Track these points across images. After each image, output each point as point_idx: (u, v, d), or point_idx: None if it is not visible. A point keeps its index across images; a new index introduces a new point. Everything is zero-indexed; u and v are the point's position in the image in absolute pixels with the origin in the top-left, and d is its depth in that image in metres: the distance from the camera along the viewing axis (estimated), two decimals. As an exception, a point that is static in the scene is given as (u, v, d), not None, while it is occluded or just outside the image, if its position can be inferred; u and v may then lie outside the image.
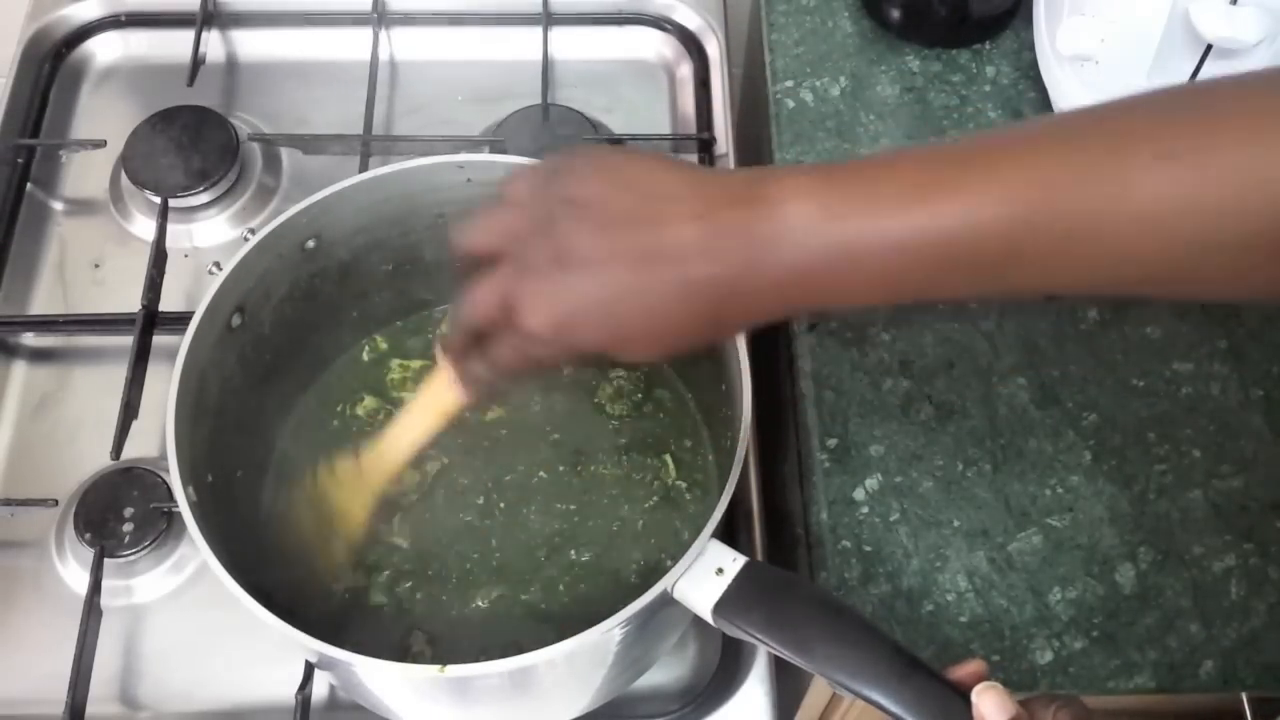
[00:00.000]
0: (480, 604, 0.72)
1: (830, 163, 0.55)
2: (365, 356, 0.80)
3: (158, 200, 0.89)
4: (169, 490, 0.76)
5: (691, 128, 0.97)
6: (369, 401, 0.78)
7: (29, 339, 0.88)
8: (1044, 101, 0.92)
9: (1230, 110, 0.50)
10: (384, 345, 0.80)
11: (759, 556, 0.79)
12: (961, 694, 0.53)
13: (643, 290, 0.52)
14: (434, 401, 0.65)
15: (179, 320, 0.81)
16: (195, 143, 0.93)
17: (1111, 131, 0.50)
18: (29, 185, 0.94)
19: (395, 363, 0.80)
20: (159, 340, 0.82)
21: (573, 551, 0.73)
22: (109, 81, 1.01)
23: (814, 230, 0.51)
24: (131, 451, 0.78)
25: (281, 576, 0.68)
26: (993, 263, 0.50)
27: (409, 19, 1.02)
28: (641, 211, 0.53)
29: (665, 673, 0.76)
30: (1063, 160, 0.50)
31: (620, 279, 0.52)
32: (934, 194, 0.50)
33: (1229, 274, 0.51)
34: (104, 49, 1.01)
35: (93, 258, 0.91)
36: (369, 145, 0.92)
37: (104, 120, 0.97)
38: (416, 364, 0.79)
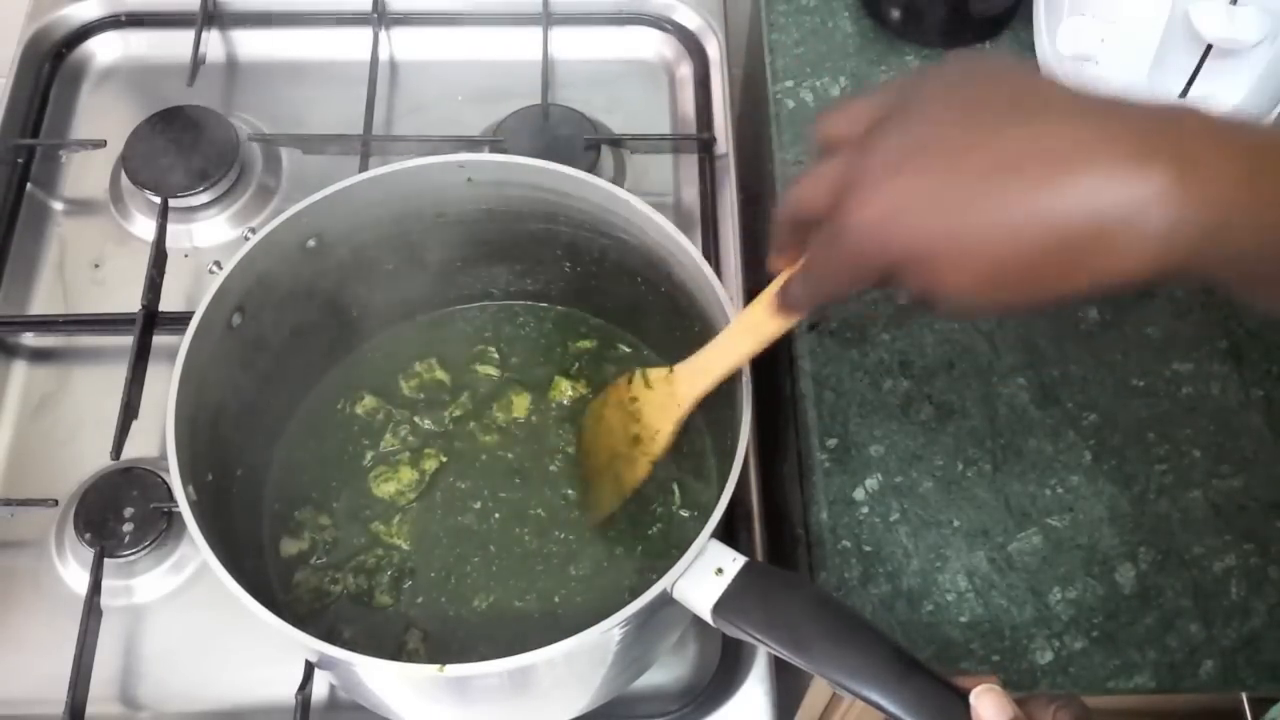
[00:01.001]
0: (478, 605, 0.72)
1: (1248, 134, 0.46)
2: (366, 355, 0.80)
3: (158, 200, 0.89)
4: (169, 490, 0.76)
5: (691, 128, 0.97)
6: (369, 401, 0.78)
7: (29, 339, 0.88)
8: (1044, 101, 0.92)
9: None
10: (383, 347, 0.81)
11: (759, 556, 0.79)
12: (961, 695, 0.53)
13: (994, 199, 0.44)
14: (753, 325, 0.61)
15: (179, 320, 0.81)
16: (195, 143, 0.93)
17: None
18: (29, 185, 0.94)
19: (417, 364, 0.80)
20: (159, 340, 0.82)
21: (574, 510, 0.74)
22: (109, 81, 1.01)
23: (1237, 221, 0.43)
24: (131, 451, 0.78)
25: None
26: None
27: (409, 19, 1.02)
28: (1023, 115, 0.45)
29: (665, 673, 0.76)
30: None
31: (972, 180, 0.45)
32: None
33: None
34: (104, 49, 1.01)
35: (93, 258, 0.91)
36: (369, 145, 0.92)
37: (104, 120, 0.97)
38: (421, 365, 0.80)
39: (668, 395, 0.67)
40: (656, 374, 0.68)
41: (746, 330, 0.61)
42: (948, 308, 0.48)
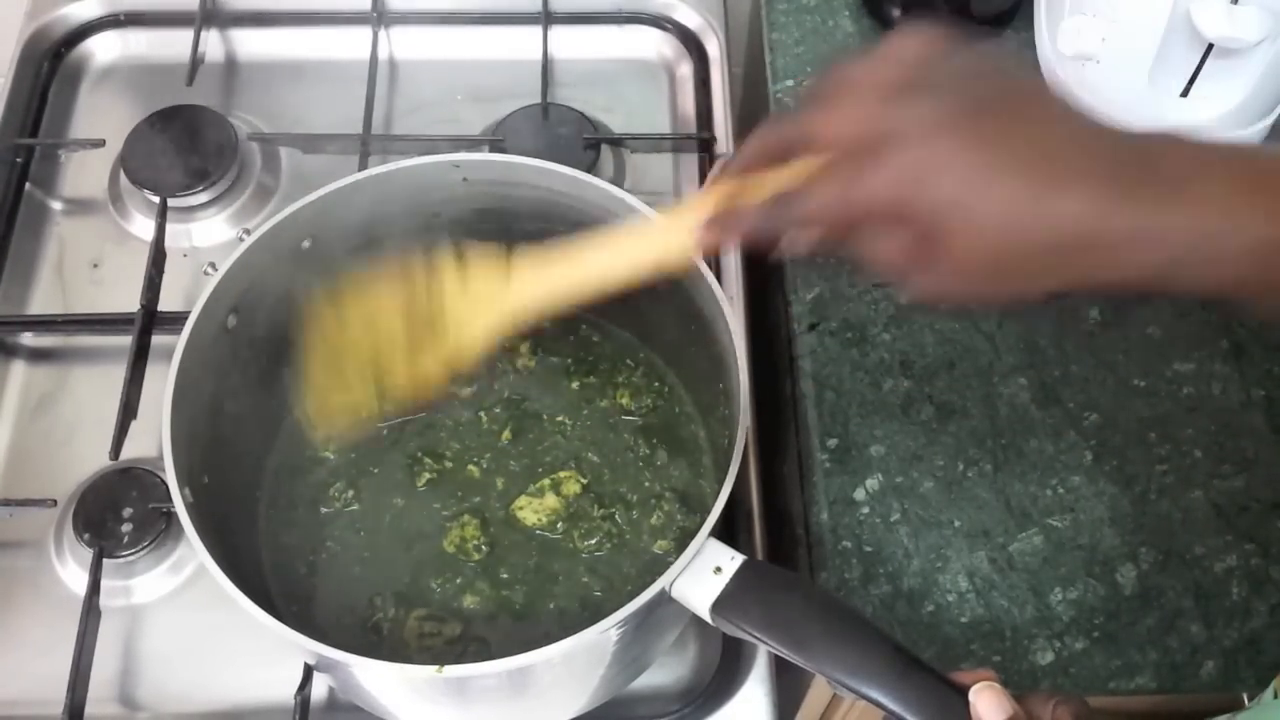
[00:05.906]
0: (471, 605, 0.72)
1: (1237, 152, 0.51)
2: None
3: (156, 200, 0.89)
4: (168, 490, 0.76)
5: (691, 127, 0.97)
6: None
7: (28, 339, 0.87)
8: (1045, 100, 0.92)
9: None
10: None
11: (759, 556, 0.78)
12: (960, 692, 0.53)
13: (1020, 189, 0.46)
14: (654, 241, 0.54)
15: (178, 320, 0.80)
16: (194, 142, 0.93)
17: None
18: (28, 185, 0.94)
19: None
20: (158, 340, 0.82)
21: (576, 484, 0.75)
22: (108, 81, 1.01)
23: (1242, 231, 0.46)
24: (130, 451, 0.78)
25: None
26: None
27: (409, 18, 1.02)
28: (1044, 121, 0.48)
29: (665, 673, 0.76)
30: None
31: (1008, 165, 0.46)
32: None
33: None
34: (103, 48, 1.01)
35: (91, 257, 0.91)
36: (368, 145, 0.92)
37: (103, 120, 0.97)
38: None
39: (494, 289, 0.58)
40: (486, 262, 0.59)
41: (635, 247, 0.55)
42: (921, 285, 0.49)
